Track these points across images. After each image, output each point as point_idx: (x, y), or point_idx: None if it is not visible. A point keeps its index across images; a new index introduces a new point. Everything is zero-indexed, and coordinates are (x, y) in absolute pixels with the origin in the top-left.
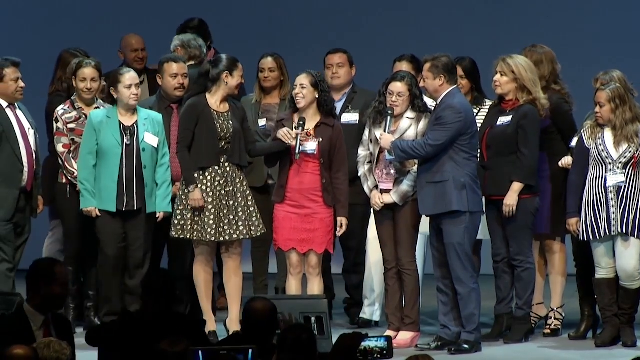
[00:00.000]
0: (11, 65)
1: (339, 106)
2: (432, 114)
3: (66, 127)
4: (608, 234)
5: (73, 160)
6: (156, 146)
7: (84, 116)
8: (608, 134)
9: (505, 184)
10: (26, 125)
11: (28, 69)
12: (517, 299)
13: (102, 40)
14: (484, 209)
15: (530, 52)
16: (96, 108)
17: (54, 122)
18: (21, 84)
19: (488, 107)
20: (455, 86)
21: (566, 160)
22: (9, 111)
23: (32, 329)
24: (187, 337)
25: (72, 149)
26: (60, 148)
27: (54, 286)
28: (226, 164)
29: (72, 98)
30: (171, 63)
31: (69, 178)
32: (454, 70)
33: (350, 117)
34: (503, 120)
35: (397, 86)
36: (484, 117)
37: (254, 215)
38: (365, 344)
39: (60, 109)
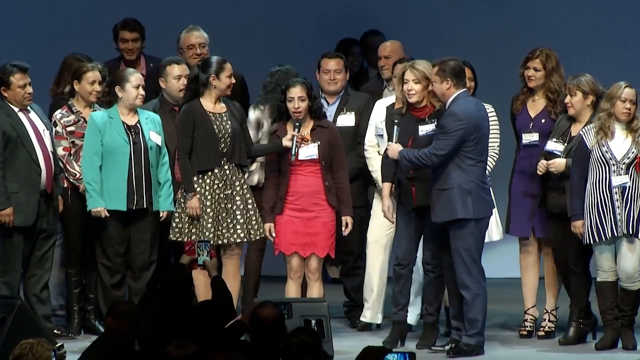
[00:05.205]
0: (18, 72)
1: (332, 109)
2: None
3: (65, 130)
4: (615, 235)
5: (74, 163)
6: (160, 145)
7: (82, 119)
8: (619, 134)
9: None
10: (40, 127)
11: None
12: (427, 304)
13: (102, 41)
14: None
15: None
16: (93, 111)
17: (53, 127)
18: (29, 89)
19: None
20: (462, 90)
21: (556, 163)
22: (21, 115)
23: None
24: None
25: (72, 151)
26: (60, 151)
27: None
28: (226, 166)
29: (70, 102)
30: (173, 65)
31: (71, 180)
32: (462, 75)
33: (346, 120)
34: (426, 129)
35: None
36: None
37: (253, 218)
38: None
39: (57, 113)
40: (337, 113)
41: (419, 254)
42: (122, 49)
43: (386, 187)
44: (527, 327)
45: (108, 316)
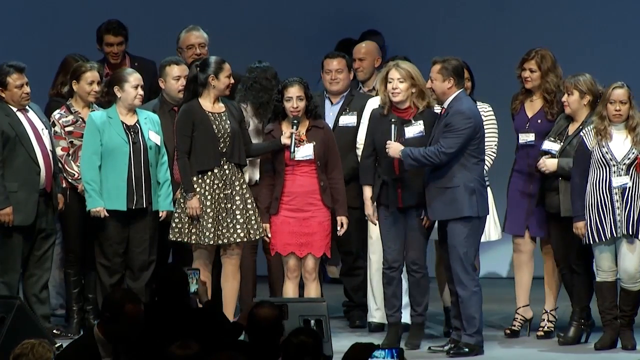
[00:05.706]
0: (15, 72)
1: (336, 109)
2: (438, 118)
3: (64, 130)
4: (614, 235)
5: (73, 163)
6: (159, 145)
7: (81, 119)
8: (619, 135)
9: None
10: (39, 126)
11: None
12: (415, 305)
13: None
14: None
15: (545, 56)
16: (91, 111)
17: (51, 127)
18: (26, 89)
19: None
20: (462, 90)
21: (547, 163)
22: (20, 115)
23: (99, 356)
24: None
25: (71, 151)
26: (59, 151)
27: (121, 324)
28: (225, 166)
29: (68, 102)
30: (173, 65)
31: (69, 181)
32: (463, 74)
33: (348, 120)
34: (413, 130)
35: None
36: None
37: (253, 218)
38: None
39: (56, 114)
40: (340, 113)
41: None
42: (107, 53)
43: (368, 190)
44: (515, 326)
45: (127, 304)
